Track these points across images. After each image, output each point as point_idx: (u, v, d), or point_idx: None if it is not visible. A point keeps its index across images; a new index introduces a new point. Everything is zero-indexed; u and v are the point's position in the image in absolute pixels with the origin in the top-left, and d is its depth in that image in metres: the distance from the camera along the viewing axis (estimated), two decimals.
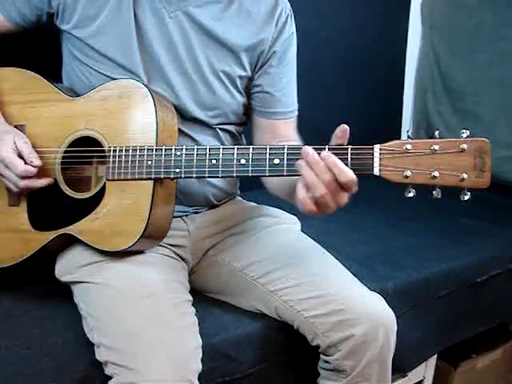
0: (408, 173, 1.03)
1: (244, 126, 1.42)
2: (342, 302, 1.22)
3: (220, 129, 1.34)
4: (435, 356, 1.70)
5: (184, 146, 1.13)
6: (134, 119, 1.16)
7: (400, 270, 1.56)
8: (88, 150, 1.19)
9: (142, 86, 1.17)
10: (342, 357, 1.22)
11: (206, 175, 1.12)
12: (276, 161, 1.08)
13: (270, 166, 1.08)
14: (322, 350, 1.25)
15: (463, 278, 1.64)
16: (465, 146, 1.02)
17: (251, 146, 1.10)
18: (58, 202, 1.22)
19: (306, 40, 2.05)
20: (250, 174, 1.10)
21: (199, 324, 1.23)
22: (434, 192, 1.05)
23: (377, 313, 1.23)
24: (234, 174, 1.11)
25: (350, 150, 1.05)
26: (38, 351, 1.14)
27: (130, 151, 1.15)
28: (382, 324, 1.23)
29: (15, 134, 1.19)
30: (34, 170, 1.17)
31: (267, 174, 1.09)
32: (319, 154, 1.03)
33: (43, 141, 1.22)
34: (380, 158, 1.04)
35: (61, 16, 1.22)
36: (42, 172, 1.19)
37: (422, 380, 1.71)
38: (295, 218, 1.47)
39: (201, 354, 1.12)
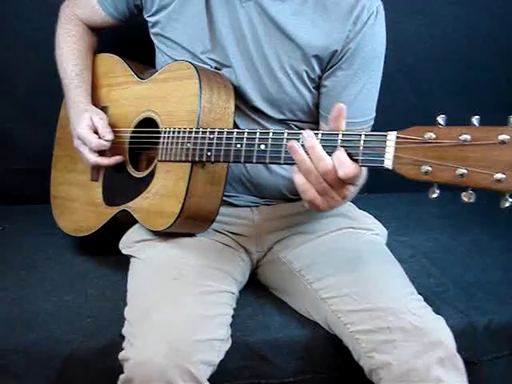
0: (428, 168, 0.84)
1: None
2: (391, 320, 1.06)
3: (295, 125, 1.27)
4: None
5: (216, 129, 1.10)
6: (181, 101, 1.18)
7: (507, 305, 1.27)
8: (148, 131, 1.24)
9: (192, 66, 1.17)
10: None
11: (231, 160, 1.07)
12: None
13: (285, 153, 0.99)
14: (367, 374, 1.09)
15: None
16: (505, 136, 0.79)
17: (272, 131, 1.01)
18: (124, 180, 1.29)
19: (461, 32, 1.81)
20: (268, 161, 1.02)
21: (244, 319, 1.20)
22: (463, 194, 0.83)
23: (432, 340, 1.03)
24: (254, 160, 1.03)
25: (363, 136, 0.90)
26: (86, 311, 1.24)
27: (176, 133, 1.16)
28: (436, 353, 1.02)
29: (92, 112, 1.30)
30: (106, 144, 1.26)
31: (282, 162, 0.99)
32: None
33: (120, 122, 1.31)
34: (395, 148, 0.86)
35: (144, 6, 1.29)
36: (115, 151, 1.28)
37: None
38: (378, 224, 1.32)
39: (221, 348, 1.07)
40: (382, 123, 1.21)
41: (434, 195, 0.85)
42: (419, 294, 1.15)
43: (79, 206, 1.38)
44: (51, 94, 1.54)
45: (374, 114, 1.24)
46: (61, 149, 1.48)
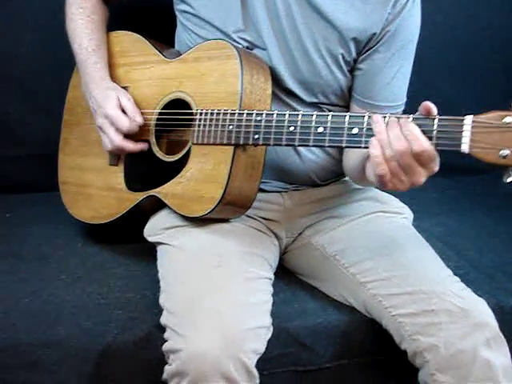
0: (506, 152, 0.85)
1: None
2: (435, 302, 1.07)
3: (327, 108, 1.24)
4: None
5: (264, 111, 1.07)
6: (220, 81, 1.13)
7: None
8: (179, 113, 1.19)
9: (231, 46, 1.13)
10: (436, 369, 1.04)
11: (283, 143, 1.04)
12: (355, 130, 0.96)
13: (347, 136, 0.97)
14: (410, 357, 1.09)
15: None
16: None
17: (331, 113, 0.99)
18: (151, 164, 1.23)
19: (462, 20, 1.85)
20: (327, 144, 1.00)
21: (279, 306, 1.17)
22: None
23: (476, 321, 1.05)
24: (311, 144, 1.01)
25: (436, 120, 0.90)
26: (114, 302, 1.18)
27: (215, 115, 1.12)
28: (482, 334, 1.04)
29: (118, 91, 1.24)
30: (136, 128, 1.20)
31: (344, 145, 0.98)
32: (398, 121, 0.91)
33: (143, 102, 1.25)
34: (472, 132, 0.87)
35: None
36: (138, 133, 1.21)
37: None
38: (406, 207, 1.33)
39: (266, 336, 1.05)
40: None
41: (511, 179, 0.87)
42: None
43: (96, 192, 1.31)
44: (52, 77, 1.46)
45: (406, 99, 1.24)
46: (69, 131, 1.40)
